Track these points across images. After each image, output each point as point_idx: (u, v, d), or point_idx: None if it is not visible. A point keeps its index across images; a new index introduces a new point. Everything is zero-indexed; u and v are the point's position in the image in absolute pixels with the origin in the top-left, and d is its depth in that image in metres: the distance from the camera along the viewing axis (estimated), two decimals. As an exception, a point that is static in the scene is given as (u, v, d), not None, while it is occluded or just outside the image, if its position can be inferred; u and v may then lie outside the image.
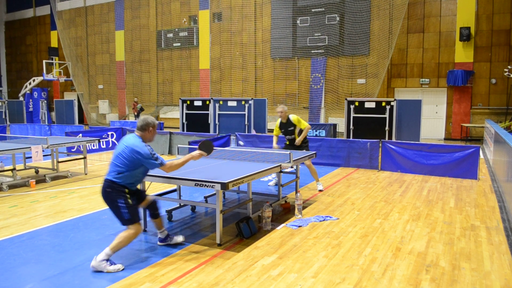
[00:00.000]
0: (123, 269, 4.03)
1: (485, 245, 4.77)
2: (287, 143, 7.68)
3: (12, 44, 31.70)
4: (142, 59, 24.64)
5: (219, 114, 16.70)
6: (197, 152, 4.50)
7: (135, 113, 21.80)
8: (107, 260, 4.02)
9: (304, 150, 7.38)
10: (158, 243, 4.73)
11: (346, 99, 14.52)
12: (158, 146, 12.67)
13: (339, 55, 18.79)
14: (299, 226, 5.38)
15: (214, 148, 4.51)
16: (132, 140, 4.18)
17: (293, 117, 7.47)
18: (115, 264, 4.05)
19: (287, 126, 7.48)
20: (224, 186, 4.27)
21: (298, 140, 7.43)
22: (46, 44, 29.31)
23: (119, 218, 4.13)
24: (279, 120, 7.55)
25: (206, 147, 4.54)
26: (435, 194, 7.37)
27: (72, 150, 11.68)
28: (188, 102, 17.30)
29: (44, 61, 26.25)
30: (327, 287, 3.68)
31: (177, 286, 3.70)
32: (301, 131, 7.47)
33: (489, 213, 6.11)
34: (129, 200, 4.15)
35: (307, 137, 7.80)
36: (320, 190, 7.53)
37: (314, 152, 6.94)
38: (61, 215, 5.96)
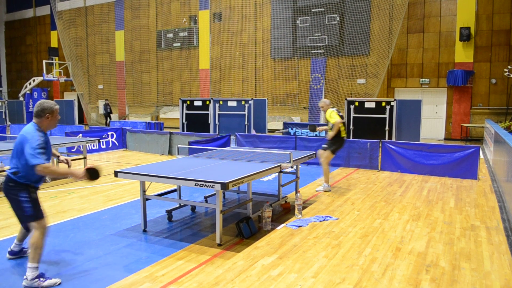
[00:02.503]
0: (60, 283, 3.70)
1: (485, 245, 4.77)
2: (322, 128, 8.11)
3: (12, 44, 31.70)
4: (142, 59, 24.65)
5: (219, 114, 16.69)
6: (81, 172, 3.78)
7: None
8: (39, 276, 3.64)
9: (325, 146, 7.60)
10: (8, 256, 4.27)
11: (346, 99, 14.52)
12: (158, 146, 12.68)
13: (339, 55, 18.79)
14: (299, 226, 5.38)
15: (99, 177, 3.90)
16: (26, 127, 3.78)
17: (328, 111, 7.63)
18: (50, 279, 3.69)
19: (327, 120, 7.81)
20: (224, 186, 4.27)
21: (329, 135, 7.60)
22: (46, 44, 29.31)
23: (22, 215, 3.76)
24: None
25: (92, 174, 3.84)
26: (435, 194, 7.37)
27: (72, 150, 11.68)
28: (188, 102, 17.29)
29: (44, 61, 26.26)
30: (327, 287, 3.68)
31: (177, 286, 3.71)
32: (333, 126, 7.60)
33: (489, 213, 6.11)
34: (33, 194, 3.76)
35: (341, 140, 7.66)
36: (317, 191, 7.53)
37: (314, 152, 6.94)
38: (61, 215, 5.96)
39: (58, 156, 4.60)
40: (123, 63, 25.36)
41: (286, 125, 16.24)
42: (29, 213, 3.72)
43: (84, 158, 9.21)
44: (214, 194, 6.36)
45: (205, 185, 4.37)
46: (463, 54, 16.68)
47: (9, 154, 8.08)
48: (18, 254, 4.29)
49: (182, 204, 6.05)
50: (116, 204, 6.55)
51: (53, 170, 3.94)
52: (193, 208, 6.23)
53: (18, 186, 3.73)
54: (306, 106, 19.63)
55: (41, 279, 3.65)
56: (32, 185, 3.78)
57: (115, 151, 13.35)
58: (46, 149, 3.75)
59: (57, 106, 3.95)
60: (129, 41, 25.02)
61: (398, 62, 18.09)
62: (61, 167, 3.91)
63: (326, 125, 7.88)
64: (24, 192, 3.73)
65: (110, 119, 23.27)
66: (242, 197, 7.01)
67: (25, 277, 3.66)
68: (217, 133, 15.69)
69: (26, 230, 4.07)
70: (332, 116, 7.49)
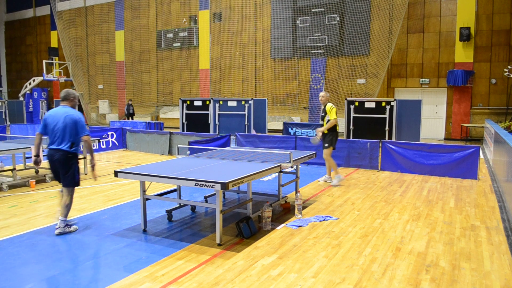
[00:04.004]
0: (77, 229, 5.17)
1: (485, 245, 4.77)
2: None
3: (12, 44, 31.70)
4: (142, 59, 24.65)
5: (219, 114, 16.69)
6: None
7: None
8: (66, 225, 5.07)
9: (326, 144, 7.82)
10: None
11: (346, 99, 14.51)
12: (158, 146, 12.68)
13: (339, 55, 18.79)
14: (299, 226, 5.38)
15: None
16: (66, 110, 5.12)
17: (328, 105, 7.83)
18: (71, 226, 5.15)
19: (322, 111, 7.97)
20: (224, 186, 4.27)
21: (321, 128, 7.80)
22: (46, 44, 29.32)
23: (71, 179, 5.06)
24: None
25: None
26: (435, 194, 7.37)
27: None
28: (188, 102, 17.29)
29: (44, 61, 26.26)
30: (327, 287, 3.68)
31: (177, 286, 3.70)
32: (329, 121, 7.78)
33: (489, 213, 6.11)
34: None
35: (336, 132, 7.97)
36: (333, 185, 7.88)
37: (314, 152, 6.94)
38: (61, 215, 5.96)
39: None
40: (123, 63, 25.36)
41: (286, 125, 16.24)
42: (77, 179, 5.09)
43: (84, 158, 9.21)
44: (214, 194, 6.37)
45: (205, 185, 4.37)
46: (463, 54, 16.68)
47: (9, 154, 8.11)
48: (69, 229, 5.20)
49: (182, 204, 6.05)
50: (116, 204, 6.55)
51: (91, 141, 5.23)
52: (193, 208, 6.23)
53: (76, 158, 5.12)
54: (306, 106, 19.63)
55: (67, 226, 5.11)
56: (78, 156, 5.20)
57: (115, 151, 13.35)
58: None
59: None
60: (129, 41, 25.02)
61: (398, 62, 18.09)
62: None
63: (323, 120, 7.97)
64: (77, 164, 5.14)
65: (133, 119, 22.02)
66: (242, 197, 7.01)
67: (57, 226, 5.06)
68: (217, 133, 15.69)
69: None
70: (333, 112, 7.71)
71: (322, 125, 8.00)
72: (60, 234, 5.00)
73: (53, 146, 5.01)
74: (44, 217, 5.82)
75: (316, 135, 8.10)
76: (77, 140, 5.06)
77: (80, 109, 24.94)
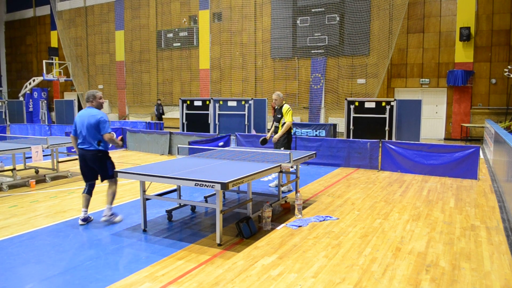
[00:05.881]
0: (122, 220, 5.58)
1: (485, 245, 4.77)
2: (269, 135, 7.61)
3: (12, 44, 31.70)
4: (142, 59, 24.65)
5: (219, 114, 16.69)
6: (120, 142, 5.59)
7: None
8: (112, 214, 5.48)
9: (282, 148, 7.21)
10: (81, 222, 5.49)
11: (346, 99, 14.51)
12: (158, 146, 12.68)
13: (339, 55, 18.79)
14: (299, 226, 5.38)
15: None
16: (90, 111, 5.45)
17: (285, 106, 7.29)
18: (117, 216, 5.57)
19: (277, 112, 7.43)
20: (224, 186, 4.27)
21: (276, 135, 7.28)
22: (46, 44, 29.31)
23: (107, 173, 5.50)
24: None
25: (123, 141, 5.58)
26: (435, 194, 7.36)
27: (72, 150, 11.65)
28: (188, 102, 17.29)
29: (44, 61, 26.26)
30: (327, 287, 3.68)
31: (177, 286, 3.70)
32: (284, 124, 7.24)
33: (489, 213, 6.11)
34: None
35: (293, 135, 7.49)
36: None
37: (314, 152, 6.94)
38: (61, 215, 5.96)
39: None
40: (123, 63, 25.36)
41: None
42: (111, 172, 5.46)
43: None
44: (214, 194, 6.37)
45: (205, 185, 4.37)
46: (463, 54, 16.68)
47: (9, 154, 8.11)
48: (88, 220, 5.54)
49: (182, 204, 6.05)
50: (116, 204, 6.54)
51: (114, 138, 5.44)
52: (193, 208, 6.23)
53: (106, 154, 5.50)
54: (306, 106, 19.63)
55: (113, 215, 5.53)
56: (108, 151, 5.56)
57: (115, 151, 13.35)
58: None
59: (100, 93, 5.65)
60: (129, 41, 25.02)
61: (398, 62, 18.09)
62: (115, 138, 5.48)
63: (276, 130, 7.43)
64: (109, 158, 5.54)
65: (162, 120, 21.33)
66: (242, 197, 7.01)
67: (104, 214, 5.49)
68: (217, 133, 15.69)
69: (89, 193, 5.59)
70: (290, 114, 7.22)
71: (277, 127, 7.43)
72: (106, 221, 5.46)
73: (83, 146, 5.44)
74: (44, 217, 5.82)
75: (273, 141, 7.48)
76: (101, 138, 5.39)
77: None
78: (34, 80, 27.08)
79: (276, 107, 7.54)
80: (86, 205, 5.54)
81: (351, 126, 14.23)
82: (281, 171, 5.75)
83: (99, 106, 5.52)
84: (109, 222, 5.43)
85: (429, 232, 5.22)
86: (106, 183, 5.63)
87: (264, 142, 7.63)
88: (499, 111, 16.34)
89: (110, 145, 5.48)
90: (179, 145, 6.61)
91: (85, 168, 5.53)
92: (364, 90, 18.37)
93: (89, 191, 5.61)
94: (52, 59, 26.95)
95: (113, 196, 5.54)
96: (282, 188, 7.38)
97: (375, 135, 13.11)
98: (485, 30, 16.41)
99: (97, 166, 5.50)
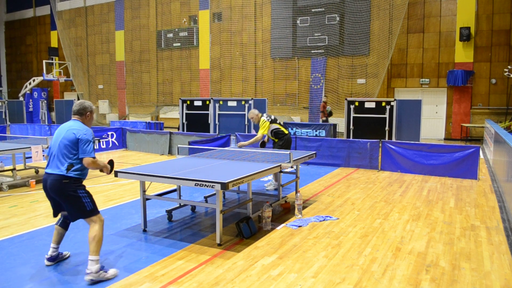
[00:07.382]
0: (118, 274, 3.88)
1: (485, 245, 4.77)
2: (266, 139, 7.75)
3: (12, 44, 31.69)
4: (142, 59, 24.64)
5: (219, 114, 16.68)
6: (108, 166, 4.12)
7: (324, 118, 16.67)
8: (102, 268, 3.77)
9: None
10: (47, 262, 4.13)
11: (346, 99, 14.50)
12: (158, 146, 12.68)
13: (339, 55, 18.79)
14: (299, 226, 5.38)
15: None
16: (73, 124, 3.95)
17: (261, 120, 7.37)
18: (108, 270, 3.83)
19: (257, 129, 7.68)
20: (224, 186, 4.27)
21: (242, 143, 7.34)
22: (46, 44, 29.30)
23: (81, 211, 3.79)
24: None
25: (112, 166, 4.19)
26: (435, 194, 7.36)
27: None
28: (188, 102, 17.28)
29: (44, 61, 26.24)
30: (327, 287, 3.68)
31: (177, 286, 3.70)
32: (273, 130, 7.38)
33: (489, 213, 6.11)
34: (87, 189, 3.92)
35: (292, 135, 7.78)
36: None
37: (314, 152, 6.94)
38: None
39: None
40: (123, 63, 25.35)
41: (286, 125, 16.21)
42: (90, 207, 3.82)
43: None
44: (214, 194, 6.36)
45: (205, 185, 4.37)
46: (463, 54, 16.67)
47: (9, 154, 8.11)
48: (57, 259, 4.18)
49: (182, 204, 6.05)
50: (116, 204, 6.55)
51: (99, 163, 3.97)
52: (193, 208, 6.23)
53: (76, 183, 3.83)
54: (306, 106, 19.62)
55: (103, 271, 3.77)
56: (84, 179, 3.95)
57: (115, 151, 13.35)
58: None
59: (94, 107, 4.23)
60: (129, 41, 25.01)
61: (398, 62, 18.09)
62: (100, 160, 4.02)
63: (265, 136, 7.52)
64: (82, 188, 3.86)
65: None
66: (242, 197, 7.01)
67: (88, 271, 3.69)
68: (217, 133, 15.69)
69: (64, 226, 4.13)
70: (264, 127, 7.29)
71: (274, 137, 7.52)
72: (93, 282, 3.69)
73: (46, 169, 3.91)
74: (44, 217, 5.82)
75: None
76: (77, 161, 3.83)
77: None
78: (34, 80, 27.07)
79: (255, 124, 7.72)
80: (57, 241, 4.13)
81: (351, 126, 14.22)
82: (281, 171, 5.76)
83: (88, 123, 4.03)
84: (96, 281, 3.70)
85: (429, 232, 5.22)
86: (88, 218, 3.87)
87: (263, 145, 7.84)
88: (499, 111, 16.33)
89: (89, 170, 4.00)
90: (179, 145, 6.61)
91: (50, 199, 4.00)
92: (364, 90, 18.37)
93: (64, 223, 4.13)
94: (52, 59, 26.95)
95: (97, 242, 3.76)
96: (270, 187, 7.57)
97: (375, 135, 13.10)
98: (485, 30, 16.41)
99: (62, 200, 3.81)
